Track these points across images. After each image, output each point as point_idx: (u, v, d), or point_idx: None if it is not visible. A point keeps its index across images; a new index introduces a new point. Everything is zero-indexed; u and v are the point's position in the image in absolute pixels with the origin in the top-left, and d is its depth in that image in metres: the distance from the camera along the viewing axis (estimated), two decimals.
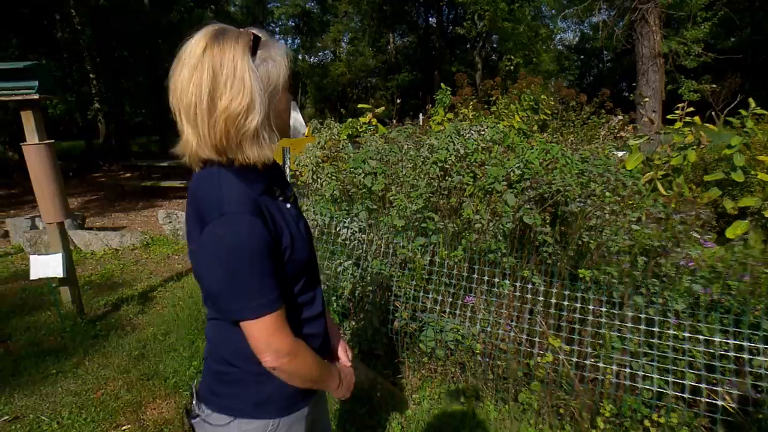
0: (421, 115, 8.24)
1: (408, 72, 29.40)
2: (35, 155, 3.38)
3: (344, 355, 1.34)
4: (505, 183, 2.61)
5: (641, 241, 2.42)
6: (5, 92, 3.29)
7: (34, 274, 3.44)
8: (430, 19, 29.76)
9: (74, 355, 3.17)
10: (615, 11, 14.32)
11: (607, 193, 2.40)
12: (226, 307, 0.97)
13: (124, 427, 2.49)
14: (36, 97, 3.27)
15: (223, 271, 0.92)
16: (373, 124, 6.20)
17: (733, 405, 2.09)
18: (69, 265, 3.57)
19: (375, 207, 3.23)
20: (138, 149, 15.50)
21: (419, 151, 2.97)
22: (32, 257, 3.49)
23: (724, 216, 4.28)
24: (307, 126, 5.83)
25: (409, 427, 2.41)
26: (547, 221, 2.38)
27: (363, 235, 3.09)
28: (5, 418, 2.55)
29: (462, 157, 2.75)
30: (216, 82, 0.90)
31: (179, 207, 8.12)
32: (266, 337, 0.97)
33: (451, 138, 2.82)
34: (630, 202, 2.44)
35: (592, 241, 2.36)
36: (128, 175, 10.99)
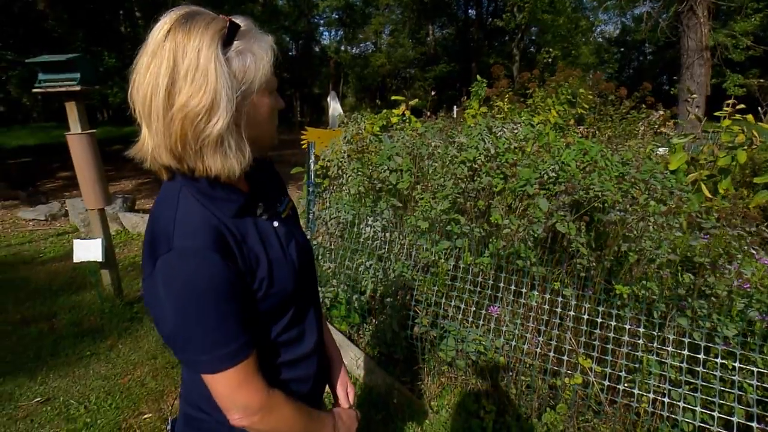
0: (455, 107, 7.84)
1: (446, 63, 28.54)
2: (78, 144, 3.31)
3: (343, 395, 1.10)
4: (537, 186, 2.30)
5: (687, 254, 2.07)
6: (51, 84, 3.22)
7: (77, 257, 3.41)
8: (470, 11, 28.73)
9: (109, 337, 3.12)
10: (660, 2, 13.26)
11: (652, 202, 2.06)
12: (182, 356, 0.77)
13: (146, 416, 2.39)
14: (78, 88, 3.18)
15: (176, 317, 0.71)
16: (407, 116, 5.90)
17: None
18: (109, 249, 3.53)
19: (400, 205, 2.98)
20: None
21: (447, 149, 2.68)
22: (75, 241, 3.46)
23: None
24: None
25: None
26: (583, 230, 2.06)
27: (386, 235, 2.86)
28: (38, 399, 2.50)
29: (492, 157, 2.45)
30: (175, 74, 0.68)
31: None
32: (230, 392, 0.76)
33: (481, 136, 2.52)
34: (673, 207, 2.08)
35: (631, 254, 2.03)
36: None
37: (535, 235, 2.24)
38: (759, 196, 3.92)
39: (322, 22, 30.76)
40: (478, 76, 7.64)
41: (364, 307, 2.84)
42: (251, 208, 0.85)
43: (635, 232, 2.08)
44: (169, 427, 1.01)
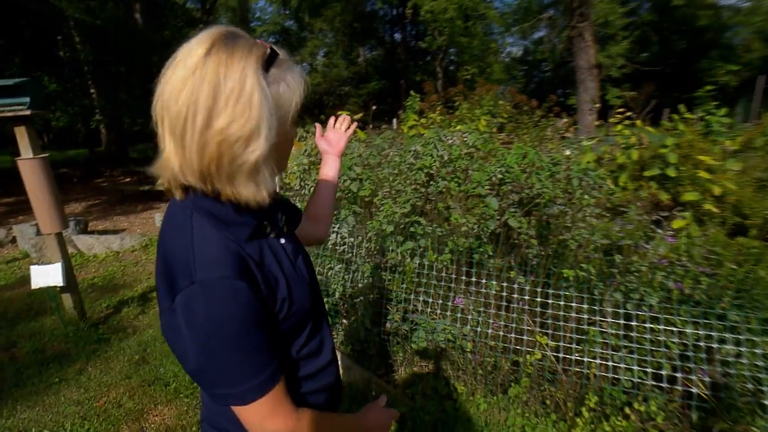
0: (395, 120, 7.98)
1: (377, 81, 28.92)
2: (31, 169, 2.94)
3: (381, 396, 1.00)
4: (488, 187, 2.39)
5: (616, 236, 2.25)
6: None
7: (35, 283, 3.03)
8: (396, 35, 29.41)
9: (77, 362, 2.79)
10: (555, 29, 14.38)
11: (586, 196, 2.22)
12: (209, 391, 0.68)
13: None
14: (28, 113, 2.84)
15: (202, 353, 0.63)
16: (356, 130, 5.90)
17: (705, 391, 1.96)
18: (69, 273, 3.17)
19: (361, 211, 2.96)
20: (137, 155, 14.65)
21: (404, 157, 2.71)
22: (32, 267, 3.07)
23: (658, 208, 4.23)
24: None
25: (405, 424, 2.19)
26: (533, 223, 2.17)
27: (351, 239, 2.82)
28: None
29: (446, 163, 2.52)
30: (216, 95, 0.61)
31: None
32: (260, 421, 0.69)
33: (434, 144, 2.57)
34: (602, 199, 2.25)
35: (571, 241, 2.17)
36: (127, 179, 10.26)
37: (489, 231, 2.33)
38: (649, 186, 4.34)
39: None
40: (412, 92, 7.81)
41: (332, 309, 2.78)
42: (263, 228, 0.77)
43: (573, 223, 2.23)
44: None
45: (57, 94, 9.63)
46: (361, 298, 2.56)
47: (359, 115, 6.16)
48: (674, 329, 2.01)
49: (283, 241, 0.81)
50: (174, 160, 0.65)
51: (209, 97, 0.61)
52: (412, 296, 2.40)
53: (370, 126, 6.95)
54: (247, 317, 0.64)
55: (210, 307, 0.61)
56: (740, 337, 1.95)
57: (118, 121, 11.29)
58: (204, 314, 0.61)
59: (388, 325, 2.40)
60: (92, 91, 10.40)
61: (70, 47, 10.16)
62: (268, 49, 0.66)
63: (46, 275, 3.03)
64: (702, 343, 1.97)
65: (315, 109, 30.23)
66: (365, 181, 2.90)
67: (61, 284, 3.04)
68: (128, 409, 2.34)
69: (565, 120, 8.09)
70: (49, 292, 3.13)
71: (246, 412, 0.68)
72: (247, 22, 27.44)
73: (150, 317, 3.44)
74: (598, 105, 8.21)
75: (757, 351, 1.94)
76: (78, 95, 10.45)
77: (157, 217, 5.69)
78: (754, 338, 1.94)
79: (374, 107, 7.35)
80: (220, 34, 0.64)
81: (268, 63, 0.66)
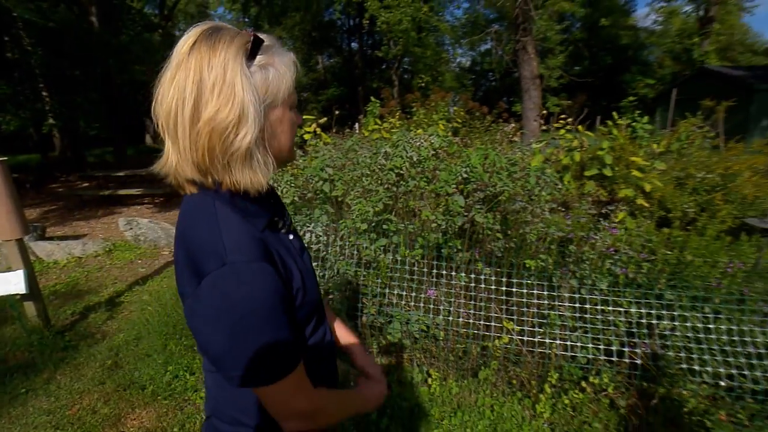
0: (357, 124, 7.97)
1: (335, 87, 28.75)
2: None
3: (374, 371, 1.00)
4: (455, 186, 2.44)
5: (567, 230, 2.37)
6: None
7: None
8: (353, 43, 29.33)
9: (44, 371, 2.56)
10: (500, 42, 14.94)
11: (543, 193, 2.32)
12: (236, 373, 0.65)
13: None
14: None
15: (230, 334, 0.61)
16: (318, 133, 5.83)
17: (648, 362, 2.11)
18: (32, 280, 2.89)
19: (333, 211, 2.93)
20: (94, 160, 13.63)
21: (375, 158, 2.71)
22: None
23: (599, 203, 4.51)
24: None
25: (384, 411, 2.19)
26: (498, 219, 2.24)
27: (325, 238, 2.79)
28: None
29: (415, 164, 2.55)
30: (201, 87, 0.60)
31: (138, 213, 7.16)
32: (286, 401, 0.68)
33: (404, 146, 2.60)
34: (557, 196, 2.37)
35: (531, 234, 2.26)
36: (86, 184, 9.52)
37: (457, 227, 2.38)
38: (589, 184, 4.59)
39: None
40: (372, 98, 7.84)
41: None
42: (275, 221, 0.77)
43: (532, 217, 2.32)
44: None
45: (6, 97, 8.75)
46: (337, 293, 2.53)
47: (323, 120, 6.10)
48: (621, 309, 2.14)
49: (291, 237, 0.81)
50: (172, 157, 0.66)
51: (194, 90, 0.61)
52: (387, 290, 2.41)
53: (334, 130, 6.91)
54: (275, 299, 0.63)
55: (241, 288, 0.60)
56: (674, 313, 2.12)
57: (74, 125, 10.45)
58: (235, 294, 0.60)
59: (364, 318, 2.39)
60: (45, 94, 9.55)
61: (19, 49, 9.31)
62: (252, 37, 0.66)
63: (7, 283, 2.76)
64: (644, 320, 2.12)
65: None
66: (337, 181, 2.87)
67: (23, 292, 2.78)
68: (104, 415, 2.18)
69: (512, 125, 8.43)
70: (9, 300, 2.85)
71: (272, 392, 0.66)
72: None
73: (119, 321, 3.22)
74: (544, 112, 8.62)
75: (687, 324, 2.11)
76: (29, 99, 9.57)
77: (121, 221, 5.32)
78: (685, 314, 2.11)
79: (337, 112, 7.31)
80: (203, 30, 0.64)
81: (253, 50, 0.65)
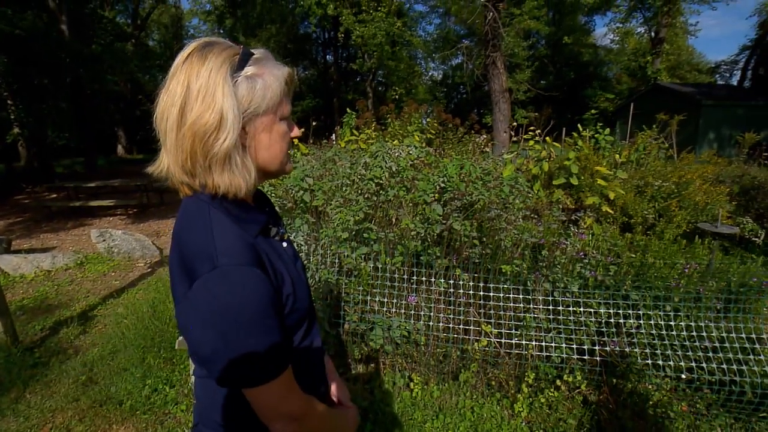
0: (333, 135, 7.98)
1: (311, 99, 28.71)
2: None
3: (343, 395, 1.01)
4: (433, 195, 2.49)
5: (541, 236, 2.46)
6: None
7: None
8: (328, 56, 29.44)
9: (12, 389, 2.40)
10: (471, 57, 15.35)
11: (517, 201, 2.40)
12: (225, 375, 0.65)
13: None
14: None
15: (220, 335, 0.61)
16: (295, 143, 5.80)
17: (617, 359, 2.20)
18: None
19: (313, 221, 2.92)
20: (63, 171, 12.96)
21: (355, 168, 2.73)
22: None
23: (566, 210, 4.68)
24: None
25: (367, 416, 2.18)
26: (474, 226, 2.30)
27: (306, 247, 2.77)
28: None
29: (395, 174, 2.58)
30: (188, 94, 0.65)
31: (110, 224, 6.86)
32: (275, 403, 0.68)
33: (383, 157, 2.63)
34: (530, 205, 2.45)
35: (507, 241, 2.33)
36: (54, 196, 9.04)
37: (435, 234, 2.42)
38: (557, 193, 4.77)
39: None
40: (348, 109, 7.89)
41: None
42: (268, 228, 0.78)
43: (504, 224, 2.39)
44: None
45: None
46: (320, 302, 2.52)
47: (300, 131, 6.07)
48: (591, 310, 2.23)
49: (285, 245, 0.82)
50: (165, 160, 0.70)
51: (182, 96, 0.66)
52: (369, 297, 2.41)
53: (311, 141, 6.90)
54: (264, 302, 0.64)
55: (231, 291, 0.61)
56: (639, 312, 2.22)
57: (42, 134, 9.95)
58: (225, 297, 0.61)
59: (346, 325, 2.38)
60: (9, 102, 9.06)
61: None
62: (241, 50, 0.70)
63: None
64: (612, 320, 2.21)
65: None
66: (317, 191, 2.87)
67: None
68: None
69: (484, 136, 8.65)
70: None
71: (262, 394, 0.67)
72: (180, 38, 25.88)
73: (93, 336, 3.07)
74: (515, 124, 8.89)
75: (651, 322, 2.22)
76: None
77: (94, 233, 5.09)
78: (649, 312, 2.22)
79: (314, 123, 7.31)
80: (198, 44, 0.69)
81: (242, 61, 0.68)
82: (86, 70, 9.58)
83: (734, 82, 27.74)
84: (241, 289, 0.62)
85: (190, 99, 0.65)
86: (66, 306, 3.62)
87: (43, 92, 9.44)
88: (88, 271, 4.53)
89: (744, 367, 2.00)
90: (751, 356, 2.02)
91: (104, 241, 4.99)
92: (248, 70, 0.69)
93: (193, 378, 2.39)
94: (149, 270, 4.58)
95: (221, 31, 27.28)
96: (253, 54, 0.70)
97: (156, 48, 23.77)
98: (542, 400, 2.17)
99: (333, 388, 1.04)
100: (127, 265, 4.75)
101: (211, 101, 0.65)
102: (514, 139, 8.17)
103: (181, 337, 2.38)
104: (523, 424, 2.13)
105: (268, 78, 0.71)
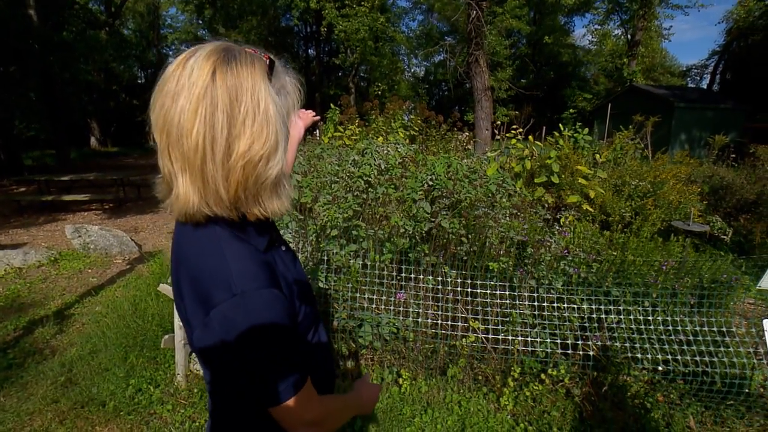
0: (317, 131, 7.91)
1: None
2: None
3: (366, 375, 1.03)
4: (421, 192, 2.51)
5: (527, 234, 2.51)
6: None
7: None
8: (310, 50, 29.06)
9: None
10: (454, 54, 15.46)
11: (503, 199, 2.45)
12: (251, 394, 0.66)
13: None
14: None
15: (245, 361, 0.61)
16: None
17: (599, 353, 2.28)
18: None
19: (302, 218, 2.90)
20: (32, 163, 12.36)
21: (344, 166, 2.72)
22: None
23: (547, 208, 4.79)
24: None
25: None
26: (463, 224, 2.33)
27: (294, 244, 2.75)
28: None
29: (383, 171, 2.59)
30: (232, 120, 0.57)
31: (86, 220, 6.61)
32: (299, 414, 0.68)
33: (371, 155, 2.63)
34: (517, 203, 2.51)
35: (494, 237, 2.38)
36: (23, 189, 8.64)
37: (423, 232, 2.45)
38: (539, 191, 4.88)
39: (171, 53, 27.50)
40: (332, 105, 7.83)
41: None
42: (273, 240, 0.75)
43: (491, 221, 2.44)
44: None
45: None
46: None
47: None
48: (575, 306, 2.30)
49: (284, 248, 0.80)
50: (192, 194, 0.60)
51: (226, 124, 0.57)
52: (357, 294, 2.42)
53: None
54: (284, 322, 0.63)
55: (252, 317, 0.59)
56: (620, 307, 2.31)
57: (8, 125, 9.47)
58: (247, 324, 0.59)
59: (335, 323, 2.39)
60: None
61: None
62: (267, 60, 0.63)
63: None
64: (594, 315, 2.29)
65: None
66: (305, 188, 2.85)
67: None
68: None
69: (466, 134, 8.74)
70: None
71: (286, 408, 0.66)
72: (156, 28, 25.06)
73: (71, 335, 2.96)
74: (498, 122, 9.01)
75: (630, 317, 2.31)
76: None
77: (68, 229, 4.90)
78: (629, 308, 2.31)
79: None
80: (219, 54, 0.59)
81: (270, 72, 0.63)
82: (56, 58, 9.14)
83: (704, 85, 28.90)
84: (261, 314, 0.60)
85: (236, 125, 0.57)
86: (40, 304, 3.48)
87: (8, 80, 8.97)
88: (63, 268, 4.37)
89: (715, 359, 2.11)
90: (722, 348, 2.13)
91: (80, 236, 4.82)
92: (275, 81, 0.63)
93: (178, 377, 2.35)
94: (128, 267, 4.45)
95: (200, 22, 26.53)
96: (275, 63, 0.65)
97: (131, 37, 22.96)
98: (527, 394, 2.23)
99: None
100: (105, 262, 4.60)
101: (264, 125, 0.59)
102: (498, 137, 8.29)
103: (167, 336, 2.33)
104: (509, 417, 2.18)
105: (290, 88, 0.67)
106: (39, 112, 9.64)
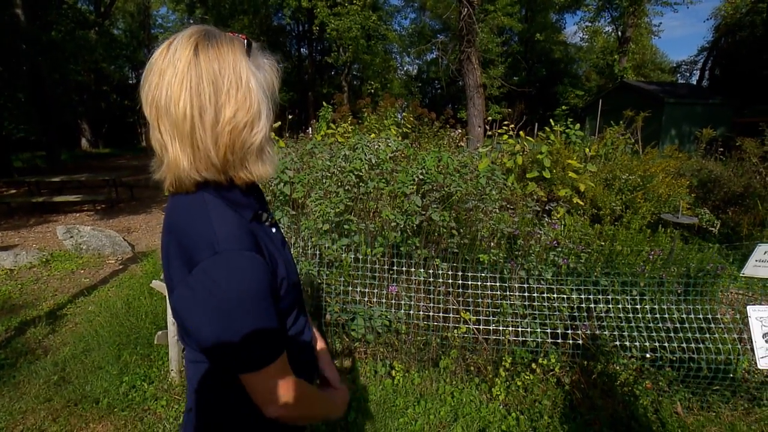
0: (310, 129, 7.91)
1: (285, 92, 28.18)
2: None
3: (333, 376, 1.02)
4: (412, 186, 2.52)
5: (517, 227, 2.54)
6: None
7: None
8: (302, 49, 28.95)
9: None
10: (446, 52, 15.50)
11: (493, 192, 2.47)
12: (224, 360, 0.67)
13: None
14: None
15: (221, 321, 0.62)
16: (273, 137, 5.73)
17: (588, 342, 2.31)
18: None
19: (294, 213, 2.91)
20: (22, 165, 12.22)
21: (335, 161, 2.73)
22: None
23: (539, 201, 4.83)
24: None
25: (349, 405, 2.21)
26: (452, 217, 2.35)
27: (286, 239, 2.76)
28: None
29: (374, 166, 2.60)
30: (217, 90, 0.62)
31: (77, 221, 6.56)
32: (271, 387, 0.69)
33: (363, 150, 2.64)
34: (507, 196, 2.53)
35: (484, 230, 2.40)
36: (13, 191, 8.53)
37: (414, 225, 2.46)
38: (530, 185, 4.90)
39: None
40: (325, 103, 7.82)
41: None
42: (260, 214, 0.79)
43: (483, 215, 2.46)
44: None
45: None
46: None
47: (277, 124, 6.00)
48: (564, 296, 2.33)
49: (274, 230, 0.82)
50: (183, 160, 0.65)
51: (212, 93, 0.63)
52: (350, 288, 2.43)
53: (287, 135, 6.82)
54: (263, 287, 0.65)
55: (232, 276, 0.62)
56: (608, 297, 2.34)
57: None
58: (225, 282, 0.61)
59: (328, 316, 2.40)
60: None
61: None
62: (245, 40, 0.69)
63: None
64: (583, 305, 2.32)
65: None
66: (297, 183, 2.86)
67: None
68: None
69: (459, 131, 8.78)
70: None
71: (258, 378, 0.68)
72: (147, 27, 24.83)
73: (63, 335, 2.95)
74: (490, 118, 9.05)
75: (619, 306, 2.34)
76: None
77: (60, 230, 4.86)
78: (617, 297, 2.34)
79: (290, 116, 7.23)
80: (200, 34, 0.65)
81: (248, 51, 0.69)
82: (45, 59, 9.03)
83: (694, 81, 29.20)
84: (241, 274, 0.63)
85: (220, 94, 0.63)
86: (32, 305, 3.46)
87: None
88: (55, 269, 4.34)
89: (701, 345, 2.15)
90: (707, 335, 2.17)
91: (71, 237, 4.78)
92: (253, 60, 0.69)
93: (172, 373, 2.35)
94: (121, 267, 4.43)
95: (191, 21, 26.33)
96: (252, 43, 0.71)
97: (121, 37, 22.76)
98: (519, 383, 2.26)
99: (325, 369, 1.06)
100: (97, 262, 4.57)
101: (247, 94, 0.65)
102: (490, 133, 8.32)
103: (160, 332, 2.33)
104: (501, 406, 2.21)
105: (266, 66, 0.72)
106: (28, 113, 9.54)
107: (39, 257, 4.55)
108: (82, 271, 4.33)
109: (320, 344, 1.03)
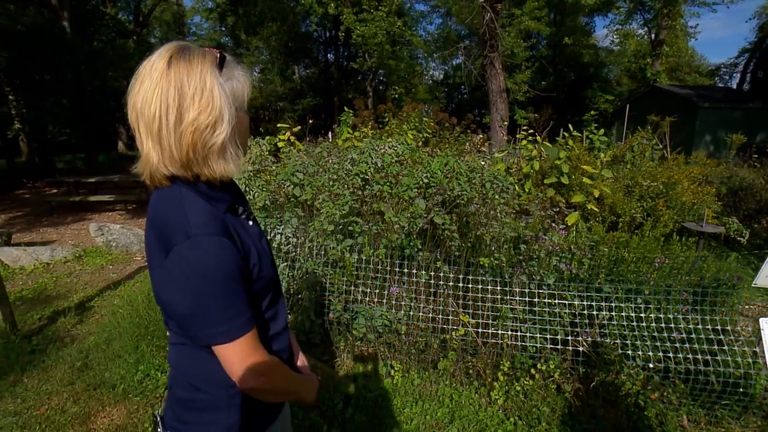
0: (330, 133, 8.07)
1: (311, 97, 28.77)
2: None
3: (303, 364, 1.11)
4: (416, 190, 2.56)
5: (522, 231, 2.54)
6: None
7: None
8: (329, 55, 29.48)
9: (10, 374, 2.50)
10: (470, 57, 15.41)
11: (497, 196, 2.48)
12: (198, 332, 0.75)
13: None
14: None
15: (193, 297, 0.71)
16: (292, 141, 5.89)
17: (589, 349, 2.28)
18: None
19: (303, 214, 3.00)
20: (64, 166, 13.06)
21: (341, 164, 2.81)
22: None
23: (555, 207, 4.75)
24: None
25: (350, 402, 2.26)
26: (455, 221, 2.37)
27: (294, 239, 2.85)
28: None
29: (380, 169, 2.66)
30: (182, 96, 0.71)
31: (110, 219, 6.95)
32: (242, 359, 0.77)
33: (369, 153, 2.71)
34: (510, 200, 2.53)
35: (486, 235, 2.41)
36: (55, 191, 9.14)
37: (418, 228, 2.50)
38: (549, 191, 4.84)
39: None
40: (346, 108, 7.96)
41: None
42: (235, 207, 0.88)
43: (486, 219, 2.47)
44: (158, 420, 0.93)
45: None
46: (306, 292, 2.60)
47: (297, 129, 6.17)
48: (566, 302, 2.31)
49: (251, 223, 0.91)
50: (153, 156, 0.75)
51: (177, 97, 0.72)
52: (353, 288, 2.49)
53: (308, 138, 6.99)
54: (231, 268, 0.73)
55: (202, 256, 0.71)
56: (612, 304, 2.30)
57: (42, 130, 10.03)
58: (196, 262, 0.70)
59: (331, 315, 2.46)
60: (11, 98, 9.13)
61: None
62: (218, 54, 0.78)
63: None
64: (586, 312, 2.29)
65: (251, 123, 29.16)
66: (306, 186, 2.95)
67: None
68: (73, 414, 2.15)
69: (480, 136, 8.72)
70: None
71: (230, 350, 0.76)
72: (182, 36, 25.98)
73: (90, 325, 3.15)
74: (506, 122, 8.95)
75: (623, 314, 2.29)
76: None
77: (92, 227, 5.17)
78: (621, 305, 2.30)
79: (311, 121, 7.41)
80: (176, 48, 0.75)
81: (220, 65, 0.77)
82: (87, 67, 9.64)
83: (733, 84, 27.79)
84: (211, 255, 0.71)
85: (185, 99, 0.71)
86: (64, 297, 3.71)
87: (44, 88, 9.53)
88: (87, 264, 4.62)
89: (710, 358, 2.07)
90: (715, 347, 2.10)
91: (102, 235, 5.08)
92: (226, 71, 0.78)
93: None
94: (146, 263, 4.67)
95: (223, 29, 27.36)
96: (226, 57, 0.80)
97: (158, 45, 23.93)
98: (518, 388, 2.25)
99: (300, 359, 1.14)
100: (125, 259, 4.84)
101: (209, 100, 0.73)
102: (515, 138, 8.23)
103: None
104: (500, 411, 2.21)
105: (240, 77, 0.81)
106: (71, 118, 10.18)
107: (73, 252, 4.85)
108: (111, 267, 4.59)
109: (291, 336, 1.09)
